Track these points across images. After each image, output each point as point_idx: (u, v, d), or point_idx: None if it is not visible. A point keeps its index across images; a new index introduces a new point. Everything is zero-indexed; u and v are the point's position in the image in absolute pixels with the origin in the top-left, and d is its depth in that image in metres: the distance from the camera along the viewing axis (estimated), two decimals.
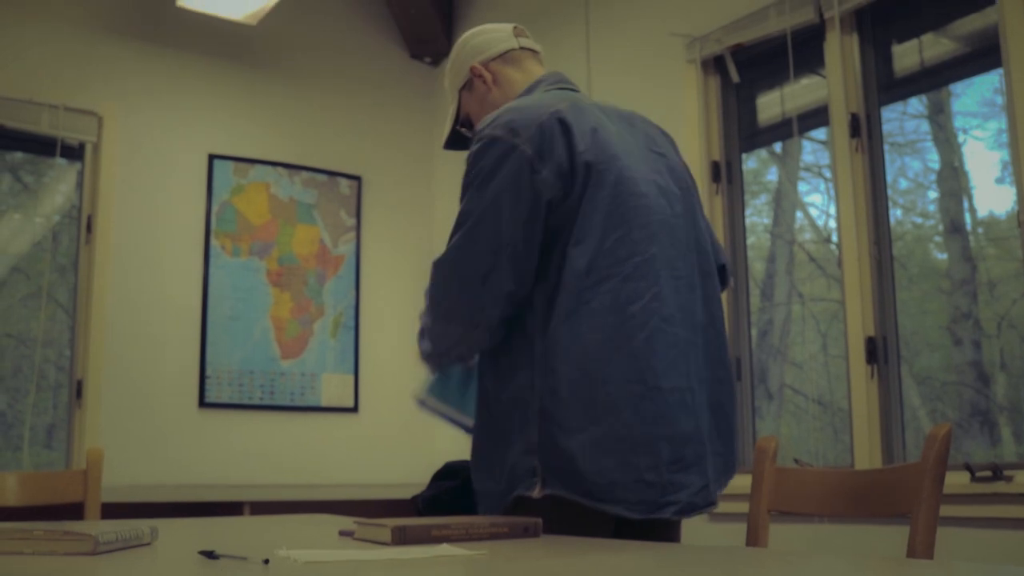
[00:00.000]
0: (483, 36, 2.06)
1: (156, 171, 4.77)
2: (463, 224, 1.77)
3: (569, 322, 1.69)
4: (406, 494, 4.62)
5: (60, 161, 4.59)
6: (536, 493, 1.67)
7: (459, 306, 1.79)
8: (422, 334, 1.91)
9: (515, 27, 2.08)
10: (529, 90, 1.97)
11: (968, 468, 2.91)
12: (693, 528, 3.64)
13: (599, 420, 1.66)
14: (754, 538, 1.89)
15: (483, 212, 1.74)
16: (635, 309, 1.71)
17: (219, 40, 5.01)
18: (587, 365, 1.68)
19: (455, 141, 2.15)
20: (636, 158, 1.84)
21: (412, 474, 4.72)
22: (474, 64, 2.03)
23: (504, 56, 2.03)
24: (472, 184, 1.77)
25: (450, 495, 1.93)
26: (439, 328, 1.85)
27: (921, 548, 1.55)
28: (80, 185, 4.65)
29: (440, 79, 2.30)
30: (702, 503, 1.76)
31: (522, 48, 2.06)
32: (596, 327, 1.69)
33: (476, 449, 1.84)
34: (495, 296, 1.74)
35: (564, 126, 1.76)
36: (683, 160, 2.01)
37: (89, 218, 4.60)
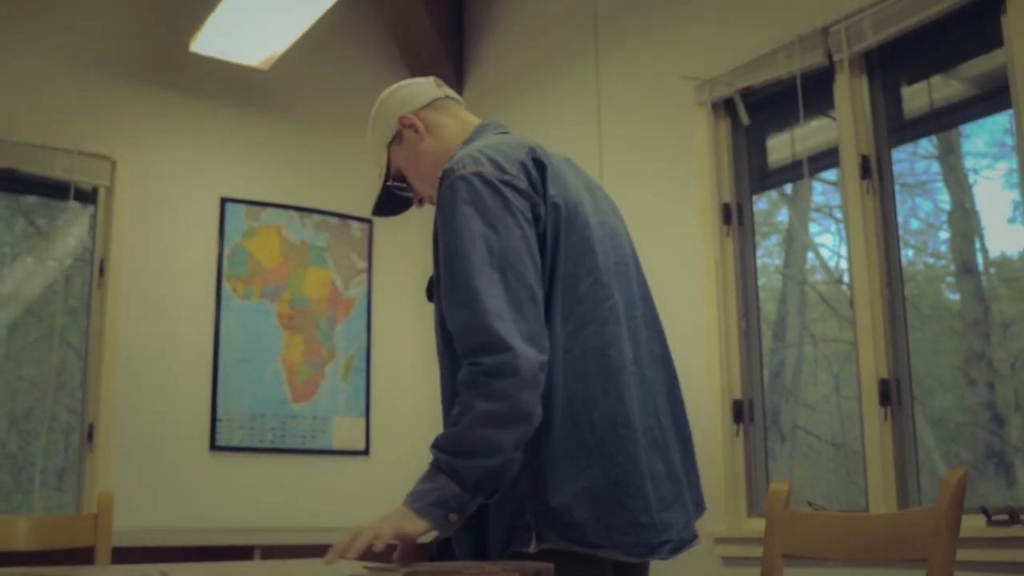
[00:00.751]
0: (406, 89, 2.01)
1: (168, 214, 4.80)
2: (495, 260, 1.62)
3: (555, 371, 1.67)
4: None
5: (73, 204, 4.62)
6: (532, 548, 1.63)
7: (526, 338, 1.59)
8: (473, 454, 1.56)
9: (434, 79, 2.05)
10: (476, 134, 1.93)
11: (984, 512, 2.88)
12: (709, 572, 3.60)
13: (591, 466, 1.64)
14: None
15: (511, 241, 1.65)
16: (613, 353, 1.71)
17: (232, 85, 5.05)
18: (576, 413, 1.66)
19: (387, 206, 2.06)
20: (590, 202, 1.84)
21: None
22: (403, 114, 1.97)
23: (432, 104, 1.98)
24: (473, 220, 1.64)
25: None
26: (523, 397, 1.56)
27: None
28: (93, 228, 4.68)
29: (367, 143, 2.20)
30: (689, 537, 1.76)
31: (447, 96, 2.01)
32: (582, 374, 1.68)
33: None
34: (543, 323, 1.65)
35: (540, 166, 1.75)
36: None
37: (102, 261, 4.62)
